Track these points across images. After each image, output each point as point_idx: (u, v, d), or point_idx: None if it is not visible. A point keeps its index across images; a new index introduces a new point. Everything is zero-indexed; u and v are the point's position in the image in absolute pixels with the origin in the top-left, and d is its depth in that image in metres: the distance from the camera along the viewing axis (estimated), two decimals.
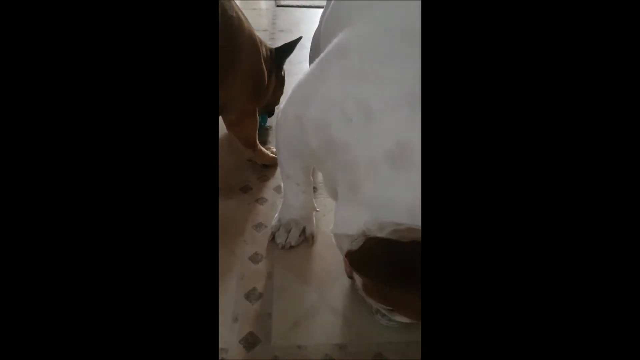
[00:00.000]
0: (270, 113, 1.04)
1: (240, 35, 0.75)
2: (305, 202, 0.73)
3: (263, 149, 0.90)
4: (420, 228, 0.42)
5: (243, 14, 0.78)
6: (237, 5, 0.77)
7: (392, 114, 0.45)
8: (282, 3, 2.07)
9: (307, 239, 0.74)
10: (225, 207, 0.80)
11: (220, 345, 0.57)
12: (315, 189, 0.85)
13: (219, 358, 0.55)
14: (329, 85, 0.52)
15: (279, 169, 0.86)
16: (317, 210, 0.78)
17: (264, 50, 0.85)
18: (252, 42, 0.80)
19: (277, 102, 1.02)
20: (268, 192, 0.85)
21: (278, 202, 0.81)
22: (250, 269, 0.69)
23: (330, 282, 0.67)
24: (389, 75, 0.47)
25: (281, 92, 1.00)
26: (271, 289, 0.66)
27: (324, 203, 0.82)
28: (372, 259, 0.45)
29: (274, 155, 0.90)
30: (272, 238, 0.73)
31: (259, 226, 0.77)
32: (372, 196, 0.46)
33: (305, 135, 0.55)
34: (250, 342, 0.58)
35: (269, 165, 0.91)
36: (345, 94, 0.49)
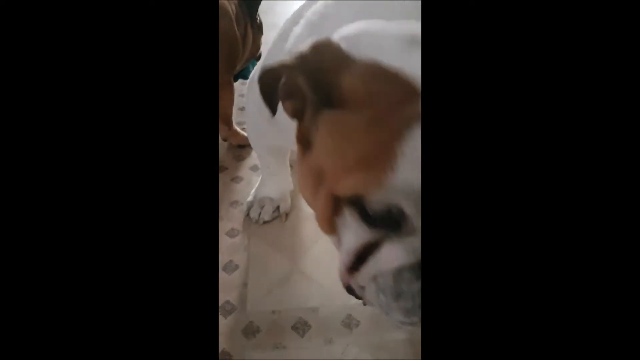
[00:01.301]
0: (258, 58, 0.99)
1: None
2: (279, 183, 0.75)
3: (238, 129, 0.92)
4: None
5: None
6: None
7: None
8: None
9: (280, 215, 0.76)
10: None
11: None
12: (291, 167, 0.87)
13: None
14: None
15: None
16: (292, 189, 0.80)
17: (233, 8, 0.83)
18: (221, 7, 0.79)
19: (258, 49, 0.99)
20: (243, 171, 0.87)
21: (254, 180, 0.83)
22: (227, 243, 0.71)
23: (303, 251, 0.70)
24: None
25: (260, 39, 0.96)
26: (247, 260, 0.68)
27: None
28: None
29: None
30: (247, 213, 0.76)
31: (234, 203, 0.80)
32: None
33: (258, 105, 0.54)
34: (227, 309, 0.61)
35: (244, 146, 0.93)
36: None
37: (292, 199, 0.79)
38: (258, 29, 0.94)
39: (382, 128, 0.29)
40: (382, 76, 0.30)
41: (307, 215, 0.77)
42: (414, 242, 0.31)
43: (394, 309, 0.33)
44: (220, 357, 0.55)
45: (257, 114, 0.56)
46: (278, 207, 0.76)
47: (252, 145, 0.71)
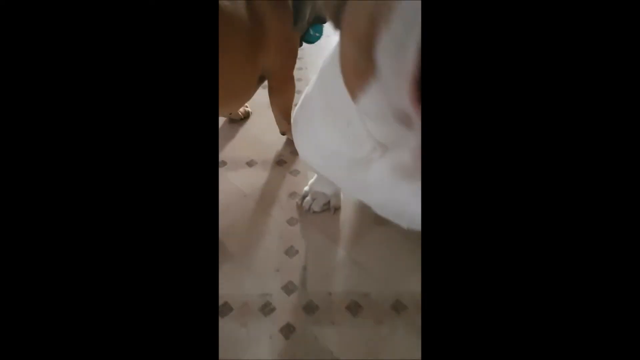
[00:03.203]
0: (322, 21, 0.95)
1: (256, 4, 0.79)
2: (332, 183, 0.82)
3: None
4: None
5: None
6: None
7: None
8: None
9: (330, 208, 0.84)
10: (263, 178, 0.92)
11: (266, 291, 0.70)
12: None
13: (266, 301, 0.68)
14: None
15: None
16: None
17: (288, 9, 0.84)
18: (274, 9, 0.82)
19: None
20: (300, 165, 0.96)
21: (310, 173, 0.92)
22: (288, 230, 0.80)
23: (356, 241, 0.78)
24: None
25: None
26: (306, 246, 0.77)
27: None
28: None
29: None
30: (301, 203, 0.84)
31: (293, 195, 0.88)
32: None
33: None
34: (289, 288, 0.70)
35: None
36: None
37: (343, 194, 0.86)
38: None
39: None
40: None
41: (359, 210, 0.85)
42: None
43: None
44: (286, 329, 0.65)
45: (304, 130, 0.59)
46: (329, 202, 0.84)
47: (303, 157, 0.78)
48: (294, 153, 0.99)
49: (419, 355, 0.61)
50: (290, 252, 0.76)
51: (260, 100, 1.09)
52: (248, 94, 0.87)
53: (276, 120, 0.99)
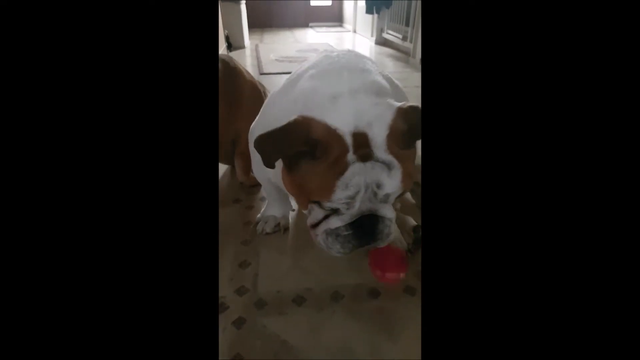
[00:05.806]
0: None
1: (240, 81, 1.04)
2: (280, 206, 0.97)
3: (251, 174, 1.17)
4: None
5: (244, 68, 1.08)
6: (237, 61, 1.07)
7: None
8: (265, 71, 2.47)
9: (280, 229, 0.98)
10: (223, 213, 1.05)
11: (221, 294, 0.79)
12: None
13: (220, 302, 0.77)
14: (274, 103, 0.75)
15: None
16: (292, 210, 1.03)
17: (265, 93, 1.14)
18: (253, 88, 1.09)
19: None
20: (255, 202, 1.10)
21: (262, 207, 1.06)
22: (242, 249, 0.92)
23: (301, 250, 0.90)
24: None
25: None
26: (257, 259, 0.89)
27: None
28: None
29: None
30: (255, 227, 0.97)
31: (247, 223, 1.01)
32: None
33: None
34: (242, 291, 0.80)
35: (255, 185, 1.17)
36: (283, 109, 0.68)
37: (292, 217, 1.00)
38: None
39: (332, 171, 0.56)
40: (327, 132, 0.55)
41: (304, 230, 0.98)
42: (343, 218, 0.61)
43: (332, 248, 0.64)
44: (237, 322, 0.73)
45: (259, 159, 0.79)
46: (279, 224, 0.98)
47: (257, 178, 0.94)
48: (250, 193, 1.14)
49: (355, 330, 0.71)
50: (243, 265, 0.87)
51: None
52: (222, 154, 1.07)
53: (237, 173, 1.16)
